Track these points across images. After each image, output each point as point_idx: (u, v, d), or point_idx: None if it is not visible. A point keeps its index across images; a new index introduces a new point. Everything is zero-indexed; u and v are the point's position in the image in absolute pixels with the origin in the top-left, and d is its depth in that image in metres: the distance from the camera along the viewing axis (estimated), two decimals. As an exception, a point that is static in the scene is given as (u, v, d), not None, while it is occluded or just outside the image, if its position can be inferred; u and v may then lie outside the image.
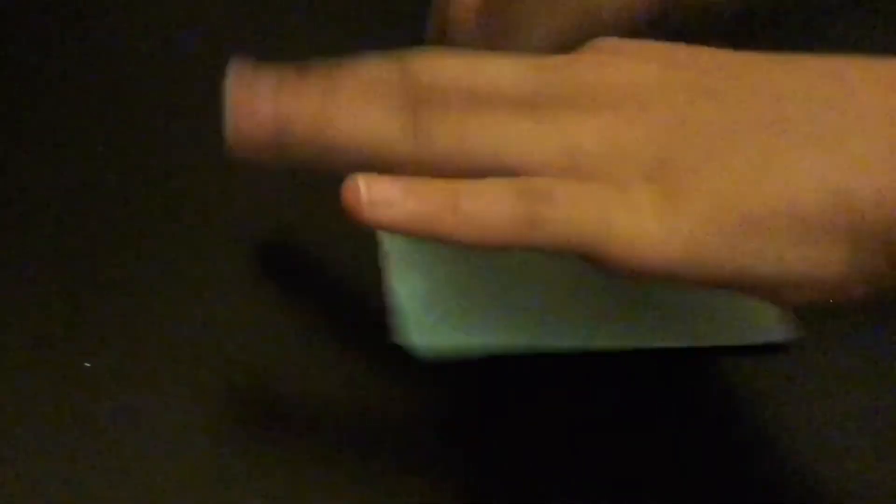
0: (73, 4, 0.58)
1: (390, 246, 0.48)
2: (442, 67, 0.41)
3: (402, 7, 0.56)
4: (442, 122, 0.40)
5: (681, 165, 0.39)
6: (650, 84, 0.40)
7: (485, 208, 0.39)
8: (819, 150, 0.39)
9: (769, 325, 0.48)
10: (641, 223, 0.39)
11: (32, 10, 0.57)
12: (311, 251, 0.49)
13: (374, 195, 0.39)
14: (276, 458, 0.43)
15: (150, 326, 0.46)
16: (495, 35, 0.49)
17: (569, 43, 0.43)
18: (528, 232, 0.39)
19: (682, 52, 0.41)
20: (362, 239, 0.47)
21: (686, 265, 0.39)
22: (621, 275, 0.39)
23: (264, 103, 0.41)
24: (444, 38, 0.50)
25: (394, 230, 0.40)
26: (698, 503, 0.43)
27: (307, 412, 0.45)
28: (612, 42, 0.42)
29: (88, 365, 0.45)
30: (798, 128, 0.39)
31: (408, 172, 0.40)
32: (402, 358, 0.45)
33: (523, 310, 0.47)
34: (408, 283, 0.47)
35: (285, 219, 0.50)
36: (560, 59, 0.42)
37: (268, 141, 0.41)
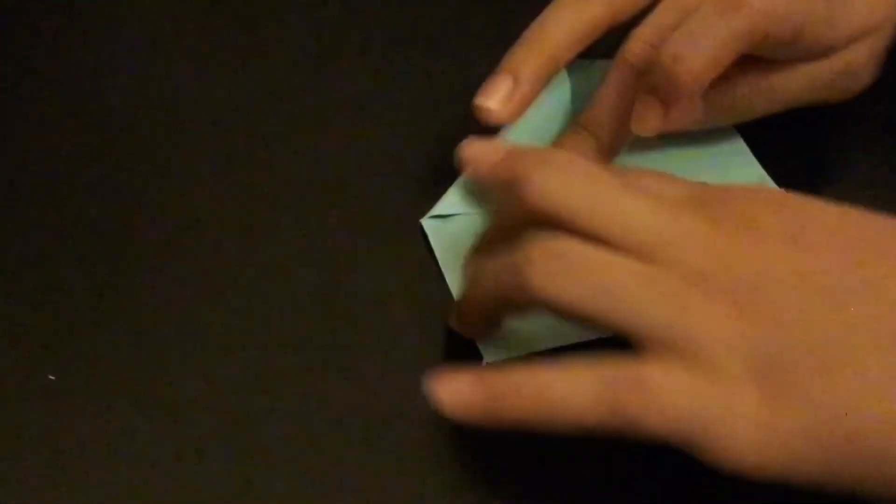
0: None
1: (439, 253, 0.48)
2: None
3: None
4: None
5: (791, 369, 0.37)
6: (777, 274, 0.39)
7: (567, 393, 0.39)
8: None
9: None
10: (739, 424, 0.38)
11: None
12: (274, 248, 0.49)
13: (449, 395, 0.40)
14: (248, 473, 0.43)
15: (116, 339, 0.46)
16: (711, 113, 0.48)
17: None
18: (610, 420, 0.38)
19: (821, 229, 0.40)
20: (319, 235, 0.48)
21: (783, 474, 0.38)
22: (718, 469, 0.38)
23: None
24: None
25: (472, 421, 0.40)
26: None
27: (284, 430, 0.44)
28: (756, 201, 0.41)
29: (52, 378, 0.45)
30: None
31: None
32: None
33: None
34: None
35: (254, 219, 0.50)
36: (702, 211, 0.40)
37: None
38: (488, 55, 0.48)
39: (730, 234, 0.39)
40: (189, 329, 0.46)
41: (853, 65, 0.48)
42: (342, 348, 0.45)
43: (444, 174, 0.48)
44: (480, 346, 0.45)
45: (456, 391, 0.40)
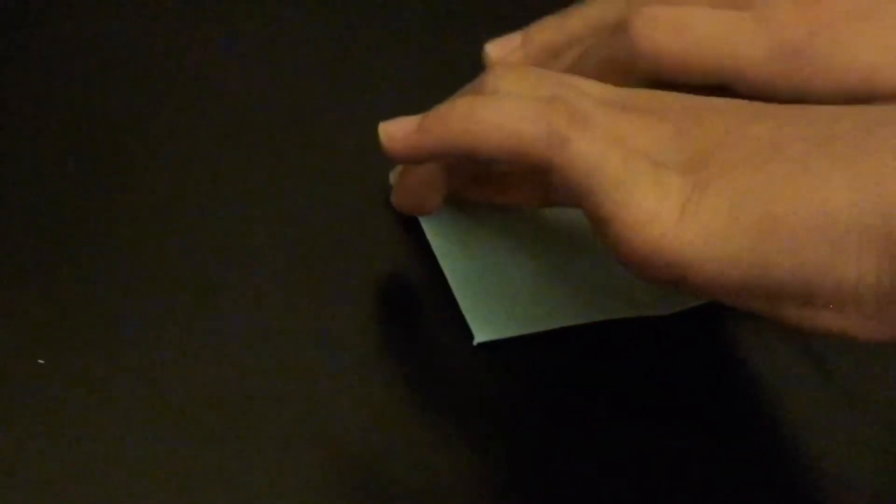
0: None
1: (431, 237, 0.48)
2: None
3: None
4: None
5: (718, 164, 0.38)
6: (718, 105, 0.40)
7: (512, 115, 0.39)
8: (864, 162, 0.37)
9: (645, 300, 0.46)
10: (662, 202, 0.38)
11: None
12: (269, 238, 0.48)
13: (391, 131, 0.41)
14: (243, 456, 0.42)
15: (106, 324, 0.45)
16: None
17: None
18: (548, 150, 0.39)
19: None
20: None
21: (696, 257, 0.37)
22: (620, 252, 0.38)
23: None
24: None
25: (421, 155, 0.41)
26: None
27: (274, 408, 0.44)
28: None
29: (42, 362, 0.44)
30: (847, 142, 0.37)
31: None
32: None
33: (561, 290, 0.47)
34: (457, 271, 0.47)
35: (249, 211, 0.49)
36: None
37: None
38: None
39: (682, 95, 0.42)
40: (183, 313, 0.45)
41: None
42: (330, 338, 0.45)
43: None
44: (471, 324, 0.45)
45: (396, 126, 0.41)
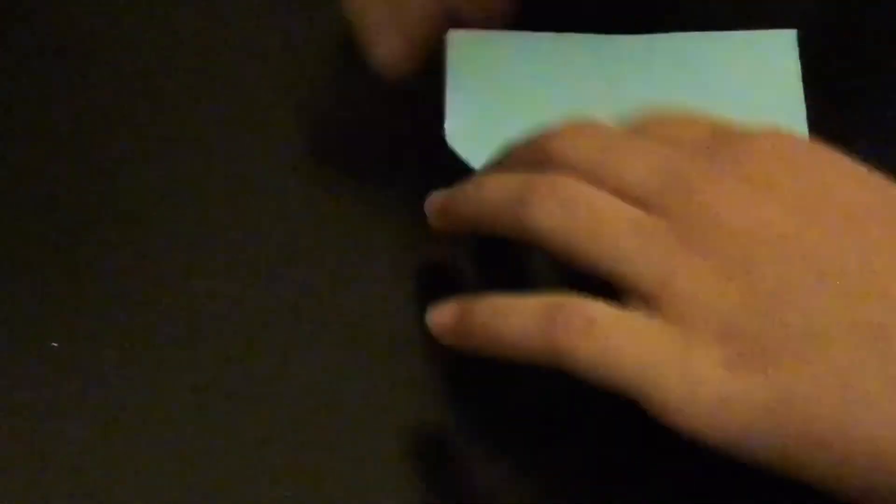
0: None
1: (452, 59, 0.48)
2: None
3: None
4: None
5: (760, 340, 0.37)
6: (772, 240, 0.38)
7: (511, 320, 0.39)
8: None
9: None
10: (697, 384, 0.37)
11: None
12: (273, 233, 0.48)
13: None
14: (250, 448, 0.43)
15: (119, 308, 0.45)
16: None
17: None
18: (543, 349, 0.38)
19: (834, 205, 0.38)
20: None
21: (734, 444, 0.37)
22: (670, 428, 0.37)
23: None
24: None
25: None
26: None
27: (289, 396, 0.44)
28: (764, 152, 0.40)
29: (55, 345, 0.44)
30: None
31: None
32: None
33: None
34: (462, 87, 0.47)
35: (256, 205, 0.49)
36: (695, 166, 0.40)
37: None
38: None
39: (736, 188, 0.39)
40: (196, 299, 0.46)
41: None
42: (336, 340, 0.45)
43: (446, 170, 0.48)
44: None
45: (439, 314, 0.41)
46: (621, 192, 0.39)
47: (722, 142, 0.40)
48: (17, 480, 0.41)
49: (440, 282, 0.47)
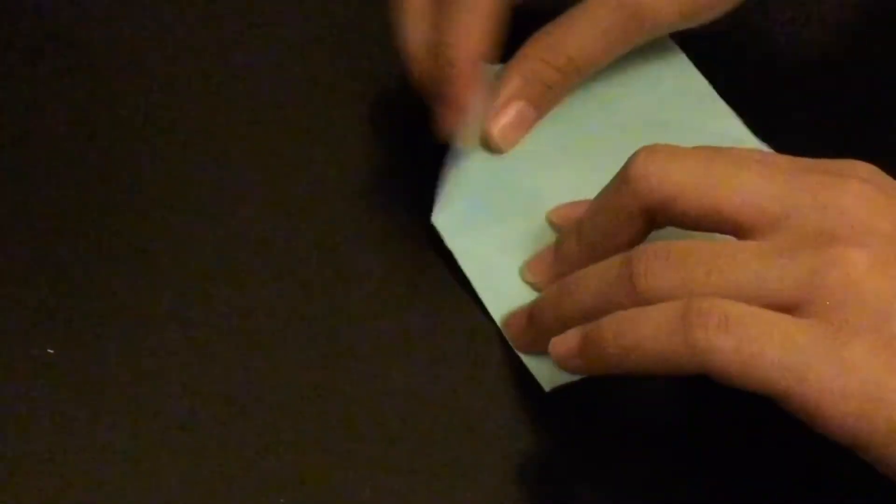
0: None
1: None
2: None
3: None
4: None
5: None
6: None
7: (647, 329, 0.38)
8: None
9: None
10: (849, 372, 0.36)
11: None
12: (278, 240, 0.48)
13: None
14: (247, 448, 0.43)
15: (116, 314, 0.45)
16: None
17: None
18: (694, 357, 0.37)
19: None
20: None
21: (845, 433, 0.37)
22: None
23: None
24: None
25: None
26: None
27: (286, 409, 0.44)
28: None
29: (52, 352, 0.44)
30: None
31: None
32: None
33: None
34: (461, 177, 0.48)
35: (254, 210, 0.49)
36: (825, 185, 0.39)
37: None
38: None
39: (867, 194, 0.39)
40: (191, 304, 0.46)
41: None
42: (347, 347, 0.45)
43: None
44: (535, 373, 0.44)
45: (561, 343, 0.41)
46: (735, 218, 0.40)
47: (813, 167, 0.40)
48: (15, 485, 0.41)
49: (440, 281, 0.47)
